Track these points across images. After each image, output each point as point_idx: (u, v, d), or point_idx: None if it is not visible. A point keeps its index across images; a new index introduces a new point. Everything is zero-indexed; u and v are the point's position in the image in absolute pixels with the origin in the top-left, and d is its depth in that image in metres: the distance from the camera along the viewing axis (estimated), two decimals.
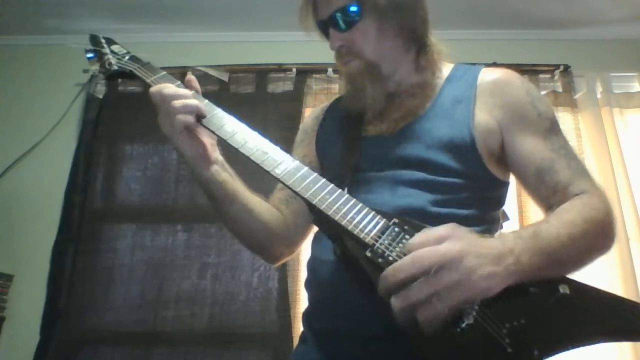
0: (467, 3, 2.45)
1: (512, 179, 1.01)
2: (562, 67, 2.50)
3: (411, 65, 1.03)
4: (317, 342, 0.92)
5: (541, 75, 2.52)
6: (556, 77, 2.51)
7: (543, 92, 2.48)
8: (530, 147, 0.91)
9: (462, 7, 2.43)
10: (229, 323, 2.16)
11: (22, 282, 2.28)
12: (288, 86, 2.54)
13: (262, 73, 2.55)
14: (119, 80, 2.60)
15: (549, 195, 0.89)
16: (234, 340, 2.14)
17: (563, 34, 2.64)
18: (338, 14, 0.97)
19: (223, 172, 0.95)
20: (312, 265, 0.97)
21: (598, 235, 0.83)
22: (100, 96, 2.60)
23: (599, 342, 0.72)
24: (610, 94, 2.48)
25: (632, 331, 0.74)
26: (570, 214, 0.82)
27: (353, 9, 0.97)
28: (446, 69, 1.04)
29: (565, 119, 2.41)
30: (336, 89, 2.50)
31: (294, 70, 2.54)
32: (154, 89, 0.92)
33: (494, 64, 2.44)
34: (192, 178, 2.33)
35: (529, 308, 0.71)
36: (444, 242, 0.69)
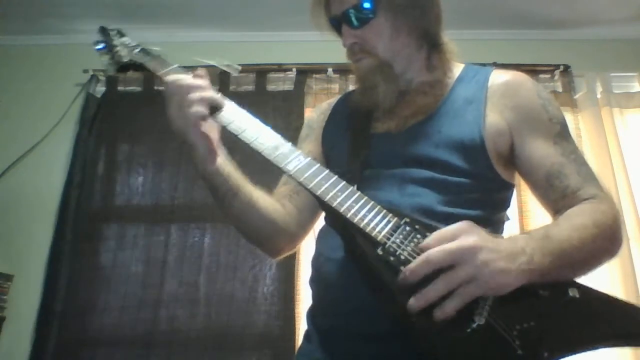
0: (467, 3, 2.45)
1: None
2: (562, 67, 2.50)
3: (423, 63, 1.02)
4: (322, 341, 0.91)
5: (541, 75, 2.52)
6: (556, 77, 2.51)
7: None
8: (540, 150, 0.91)
9: (462, 7, 2.43)
10: (228, 324, 2.16)
11: (22, 282, 2.28)
12: (288, 86, 2.54)
13: (262, 73, 2.55)
14: (119, 79, 2.60)
15: (558, 199, 0.89)
16: (233, 341, 2.14)
17: (563, 34, 2.64)
18: (351, 11, 0.97)
19: (228, 165, 0.96)
20: (317, 262, 0.97)
21: (607, 240, 0.84)
22: (100, 96, 2.60)
23: (607, 346, 0.72)
24: (610, 94, 2.48)
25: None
26: (581, 218, 0.82)
27: (367, 5, 0.96)
28: (457, 69, 1.04)
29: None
30: (336, 89, 2.50)
31: (294, 70, 2.54)
32: (170, 78, 0.91)
33: (494, 64, 2.44)
34: (190, 178, 2.36)
35: (539, 310, 0.71)
36: (457, 239, 0.69)
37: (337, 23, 1.01)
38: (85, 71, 2.60)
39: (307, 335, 0.97)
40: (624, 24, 2.59)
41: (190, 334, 2.15)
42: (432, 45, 1.02)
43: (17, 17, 2.61)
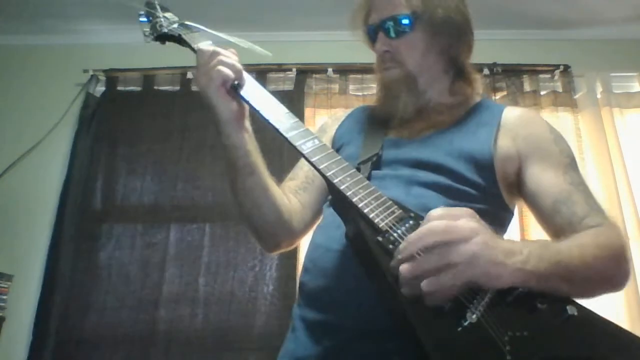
0: (467, 3, 2.45)
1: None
2: (562, 67, 2.50)
3: (446, 86, 1.07)
4: (310, 336, 0.89)
5: (541, 75, 2.52)
6: (556, 77, 2.51)
7: (543, 92, 2.49)
8: (549, 178, 0.93)
9: None
10: (228, 324, 2.16)
11: (22, 282, 2.27)
12: (288, 86, 2.54)
13: (262, 73, 2.54)
14: (119, 79, 2.60)
15: (564, 225, 0.89)
16: (233, 341, 2.14)
17: (563, 34, 2.64)
18: (390, 22, 1.02)
19: (250, 142, 0.97)
20: (315, 253, 0.96)
21: (609, 263, 0.82)
22: (99, 96, 2.60)
23: None
24: (610, 94, 2.48)
25: None
26: (583, 238, 0.82)
27: (405, 21, 1.02)
28: (475, 100, 1.09)
29: (565, 119, 2.41)
30: (336, 89, 2.51)
31: (294, 70, 2.54)
32: (204, 46, 0.96)
33: (494, 64, 2.45)
34: (190, 178, 2.35)
35: (535, 322, 0.70)
36: (461, 219, 0.69)
37: (374, 31, 1.05)
38: (85, 71, 2.60)
39: (292, 330, 0.94)
40: (624, 24, 2.59)
41: (189, 334, 2.14)
42: (458, 72, 1.07)
43: (17, 17, 2.61)
